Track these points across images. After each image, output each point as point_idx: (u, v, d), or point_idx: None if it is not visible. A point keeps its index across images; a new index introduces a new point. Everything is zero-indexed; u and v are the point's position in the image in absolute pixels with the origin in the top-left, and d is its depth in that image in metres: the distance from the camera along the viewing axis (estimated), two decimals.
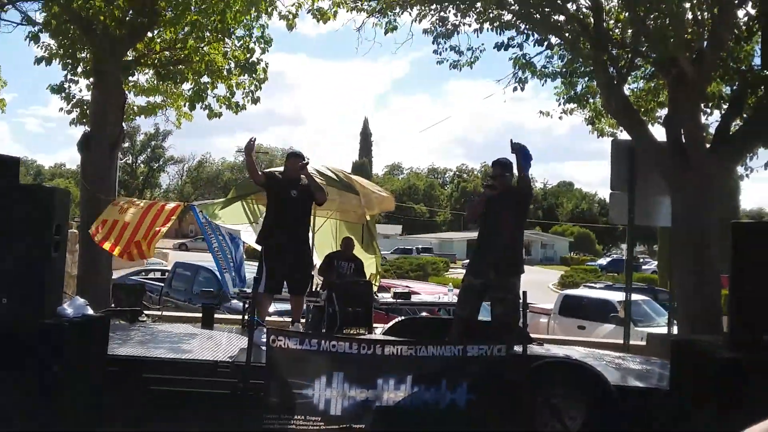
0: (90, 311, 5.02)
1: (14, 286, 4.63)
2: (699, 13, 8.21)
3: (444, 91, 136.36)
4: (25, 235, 4.69)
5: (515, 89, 9.47)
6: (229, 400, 4.79)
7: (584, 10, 9.01)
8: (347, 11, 9.72)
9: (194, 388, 5.37)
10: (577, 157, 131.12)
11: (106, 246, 7.79)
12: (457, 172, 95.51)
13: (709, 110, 9.43)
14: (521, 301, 5.38)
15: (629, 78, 9.62)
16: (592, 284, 21.67)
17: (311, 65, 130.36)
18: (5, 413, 4.39)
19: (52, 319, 4.71)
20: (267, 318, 8.73)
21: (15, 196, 4.80)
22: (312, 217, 9.23)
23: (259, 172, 7.10)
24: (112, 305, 8.45)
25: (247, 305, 8.41)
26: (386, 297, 9.21)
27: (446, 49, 9.45)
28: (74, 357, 4.70)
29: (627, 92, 9.60)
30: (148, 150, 72.43)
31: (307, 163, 6.84)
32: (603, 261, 54.39)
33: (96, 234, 7.84)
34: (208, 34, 9.45)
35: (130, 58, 9.59)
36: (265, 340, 4.81)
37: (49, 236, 4.77)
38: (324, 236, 10.11)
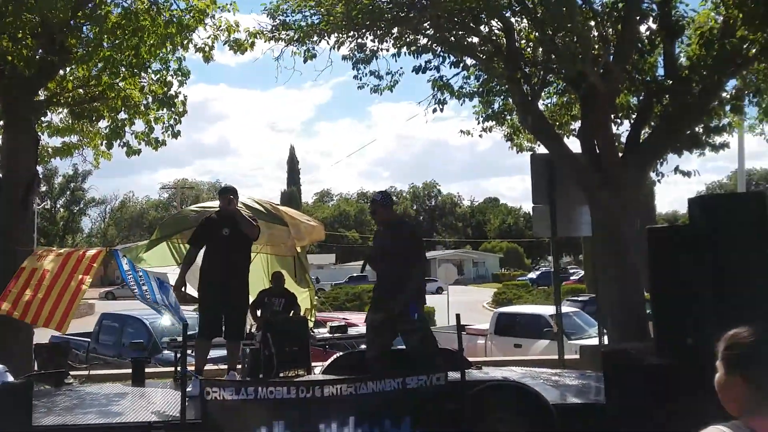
0: (10, 378, 4.68)
1: None
2: (603, 30, 8.60)
3: (368, 114, 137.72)
4: None
5: (434, 110, 9.66)
6: None
7: (496, 31, 9.24)
8: (265, 41, 9.67)
9: None
10: (501, 172, 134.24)
11: (17, 313, 7.26)
12: None
13: (619, 120, 9.81)
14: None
15: (543, 94, 9.99)
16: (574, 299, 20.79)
17: (234, 95, 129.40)
18: None
19: None
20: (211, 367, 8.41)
21: None
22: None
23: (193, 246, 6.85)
24: (35, 368, 7.96)
25: (178, 355, 8.09)
26: (323, 332, 9.06)
27: (366, 74, 9.54)
28: None
29: (542, 108, 9.92)
30: (68, 193, 69.65)
31: (233, 198, 6.68)
32: (533, 275, 55.42)
33: (8, 295, 7.32)
34: (123, 70, 9.18)
35: (42, 98, 9.23)
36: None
37: None
38: (255, 273, 9.79)
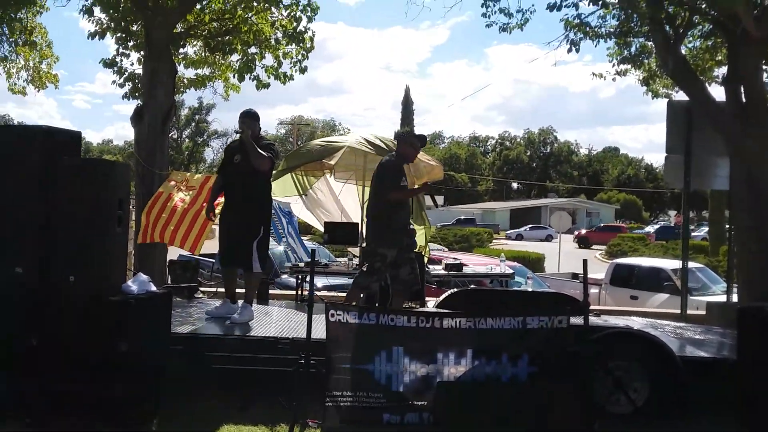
0: (153, 288, 5.05)
1: (80, 263, 4.66)
2: None
3: (485, 56, 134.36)
4: (89, 211, 4.70)
5: (569, 50, 9.21)
6: (291, 377, 4.80)
7: None
8: None
9: (256, 365, 5.40)
10: (622, 121, 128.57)
11: (155, 237, 7.98)
12: (499, 140, 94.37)
13: None
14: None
15: (686, 37, 9.31)
16: None
17: (350, 34, 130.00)
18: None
19: (119, 296, 4.74)
20: (318, 293, 8.77)
21: (77, 172, 4.79)
22: (362, 188, 9.23)
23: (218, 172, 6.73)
24: (169, 282, 8.57)
25: (300, 280, 8.47)
26: (437, 269, 9.16)
27: (496, 11, 9.24)
28: (140, 335, 4.73)
29: (684, 51, 9.29)
30: (192, 124, 73.22)
31: (246, 123, 6.25)
32: (651, 228, 53.33)
33: (150, 213, 7.96)
34: (256, 4, 9.42)
35: (180, 30, 9.64)
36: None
37: (113, 211, 4.78)
38: None
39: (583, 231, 48.35)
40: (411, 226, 6.94)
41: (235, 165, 6.28)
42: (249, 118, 6.26)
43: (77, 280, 4.64)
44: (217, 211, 6.70)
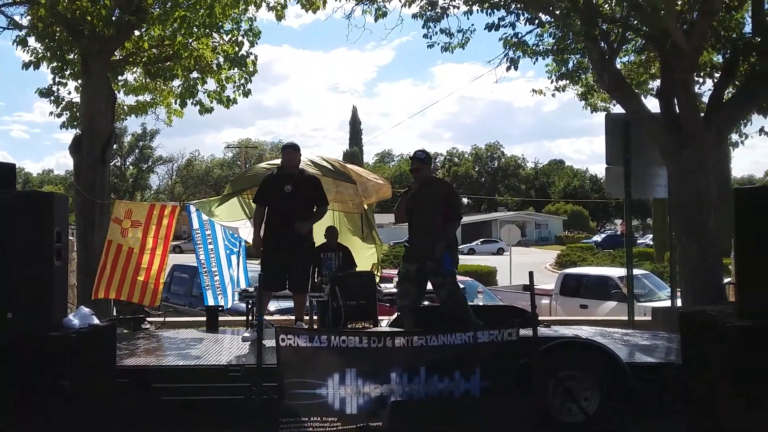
0: (96, 321, 4.92)
1: (19, 299, 4.51)
2: None
3: (431, 75, 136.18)
4: (25, 244, 4.56)
5: (509, 68, 9.46)
6: (243, 405, 4.72)
7: None
8: None
9: (206, 395, 5.30)
10: (566, 134, 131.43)
11: (112, 294, 7.83)
12: (448, 156, 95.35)
13: (701, 79, 9.45)
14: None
15: (620, 52, 9.61)
16: None
17: (295, 56, 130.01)
18: None
19: (60, 332, 4.59)
20: (270, 317, 8.67)
21: (13, 204, 4.65)
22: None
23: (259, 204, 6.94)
24: (113, 314, 8.35)
25: (250, 305, 8.34)
26: (389, 287, 9.14)
27: (437, 32, 9.42)
28: (84, 370, 4.59)
29: (619, 66, 9.58)
30: (136, 151, 71.86)
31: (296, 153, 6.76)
32: (598, 238, 54.57)
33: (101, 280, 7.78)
34: (197, 30, 9.35)
35: (119, 57, 9.49)
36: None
37: (51, 244, 4.63)
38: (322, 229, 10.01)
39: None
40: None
41: (288, 195, 6.56)
42: (296, 150, 6.82)
43: (15, 317, 4.47)
44: None
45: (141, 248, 7.73)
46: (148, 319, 8.66)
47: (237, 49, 9.86)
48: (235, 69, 10.01)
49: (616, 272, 12.67)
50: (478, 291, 11.53)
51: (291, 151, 6.73)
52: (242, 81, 10.18)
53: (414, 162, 6.66)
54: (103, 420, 4.79)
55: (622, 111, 9.03)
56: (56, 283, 4.75)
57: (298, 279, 6.70)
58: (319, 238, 9.05)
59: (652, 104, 8.94)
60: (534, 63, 9.78)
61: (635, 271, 10.85)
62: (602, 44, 8.73)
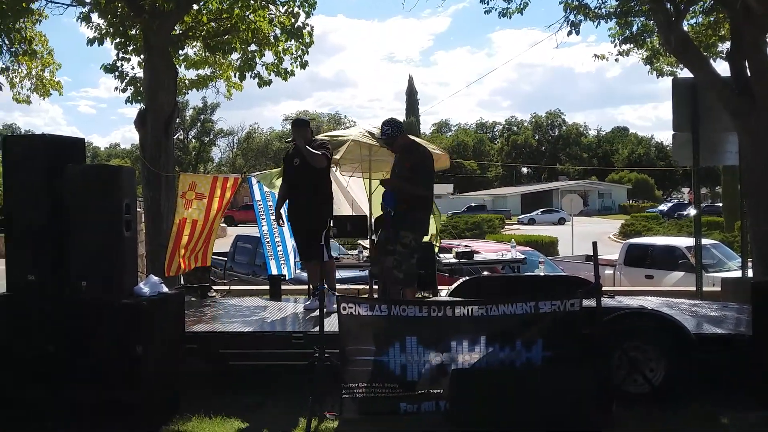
0: (165, 289, 5.08)
1: (92, 268, 4.71)
2: None
3: (488, 41, 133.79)
4: (96, 216, 4.74)
5: (569, 33, 9.18)
6: (306, 371, 4.82)
7: None
8: None
9: (270, 360, 5.43)
10: (630, 100, 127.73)
11: (182, 269, 8.02)
12: (507, 125, 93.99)
13: None
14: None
15: (688, 13, 9.21)
16: None
17: (350, 26, 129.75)
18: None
19: (131, 299, 4.78)
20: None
21: (84, 178, 4.84)
22: (368, 181, 9.21)
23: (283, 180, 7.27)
24: (182, 282, 8.61)
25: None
26: (448, 258, 9.14)
27: None
28: (154, 336, 4.77)
29: (686, 28, 9.20)
30: (198, 124, 73.50)
31: (299, 130, 6.82)
32: (664, 207, 53.06)
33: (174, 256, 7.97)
34: (253, 2, 9.40)
35: (179, 32, 9.64)
36: (335, 306, 4.86)
37: (120, 216, 4.81)
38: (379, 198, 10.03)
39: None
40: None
41: (296, 168, 6.80)
42: (297, 126, 6.90)
43: (89, 285, 4.68)
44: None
45: (204, 219, 7.92)
46: (214, 287, 8.92)
47: (293, 20, 9.87)
48: (292, 41, 10.03)
49: (684, 242, 12.31)
50: (540, 261, 11.40)
51: (296, 128, 6.93)
52: (299, 53, 10.20)
53: (386, 140, 6.68)
54: (174, 384, 4.98)
55: (690, 75, 8.68)
56: (126, 252, 4.93)
57: (310, 247, 6.80)
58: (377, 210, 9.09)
59: (722, 68, 8.58)
60: (596, 27, 9.50)
61: (704, 241, 10.52)
62: (668, 5, 8.38)
